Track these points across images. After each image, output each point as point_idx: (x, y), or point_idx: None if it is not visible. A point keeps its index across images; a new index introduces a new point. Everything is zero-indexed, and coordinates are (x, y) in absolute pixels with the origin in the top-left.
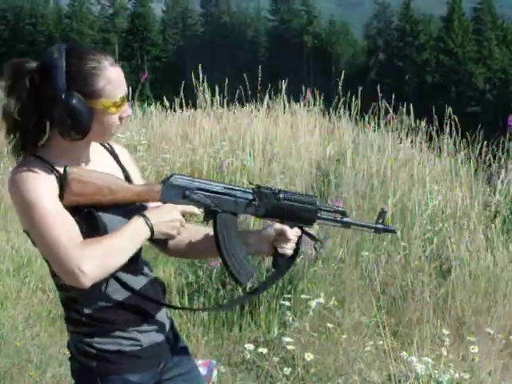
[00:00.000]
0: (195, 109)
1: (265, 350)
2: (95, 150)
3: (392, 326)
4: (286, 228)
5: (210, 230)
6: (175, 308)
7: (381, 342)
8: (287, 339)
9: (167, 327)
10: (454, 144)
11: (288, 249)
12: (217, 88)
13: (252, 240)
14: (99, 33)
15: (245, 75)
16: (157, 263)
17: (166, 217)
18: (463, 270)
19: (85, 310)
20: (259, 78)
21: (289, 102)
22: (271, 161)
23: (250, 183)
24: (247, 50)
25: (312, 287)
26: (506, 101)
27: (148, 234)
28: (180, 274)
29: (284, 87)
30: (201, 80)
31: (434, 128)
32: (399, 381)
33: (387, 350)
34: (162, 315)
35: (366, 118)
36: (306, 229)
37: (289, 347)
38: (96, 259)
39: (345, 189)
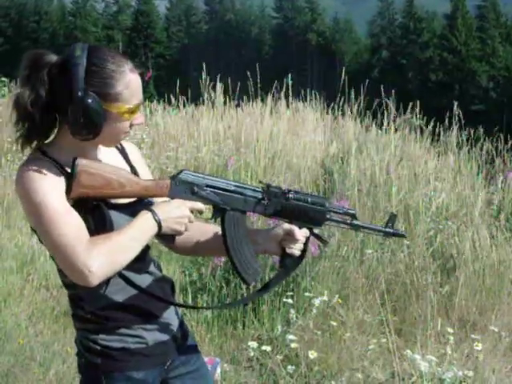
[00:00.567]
0: (198, 106)
1: (268, 348)
2: (104, 149)
3: (396, 324)
4: (295, 228)
5: (218, 228)
6: (181, 306)
7: (384, 340)
8: (291, 337)
9: (175, 326)
10: (458, 142)
11: (296, 249)
12: (221, 86)
13: (260, 239)
14: (103, 30)
15: (248, 73)
16: (160, 261)
17: (175, 212)
18: (467, 267)
19: (90, 307)
20: (263, 75)
21: (293, 99)
22: (275, 159)
23: (260, 182)
24: (251, 47)
25: (316, 285)
26: (509, 98)
27: (155, 229)
28: (183, 272)
29: (290, 84)
30: (204, 77)
31: (438, 125)
32: (403, 379)
33: (391, 348)
34: (170, 314)
35: (370, 116)
36: (315, 230)
37: (292, 345)
38: (103, 257)
39: (349, 187)
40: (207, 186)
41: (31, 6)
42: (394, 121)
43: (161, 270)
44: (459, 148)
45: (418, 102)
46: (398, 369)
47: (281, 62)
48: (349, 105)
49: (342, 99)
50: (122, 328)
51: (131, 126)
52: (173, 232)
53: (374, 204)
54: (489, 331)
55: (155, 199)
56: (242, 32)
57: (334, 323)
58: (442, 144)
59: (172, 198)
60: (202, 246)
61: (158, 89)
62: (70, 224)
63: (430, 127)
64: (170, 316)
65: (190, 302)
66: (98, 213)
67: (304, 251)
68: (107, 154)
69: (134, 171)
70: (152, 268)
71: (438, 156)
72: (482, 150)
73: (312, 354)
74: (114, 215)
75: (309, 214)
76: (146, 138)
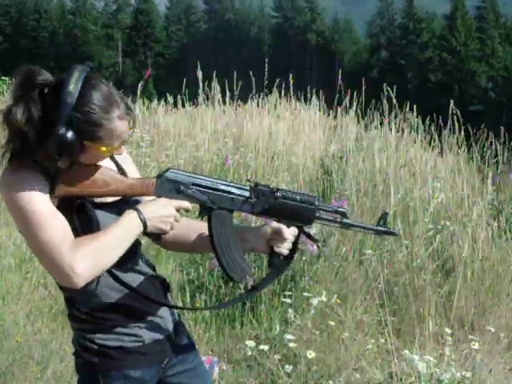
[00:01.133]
0: (197, 105)
1: (266, 348)
2: None
3: (394, 325)
4: (283, 227)
5: (206, 225)
6: (171, 307)
7: (383, 340)
8: (289, 336)
9: (171, 324)
10: (457, 142)
11: (284, 248)
12: (220, 85)
13: (248, 237)
14: (102, 29)
15: (250, 72)
16: (158, 260)
17: (160, 211)
18: (466, 268)
19: (85, 308)
20: (263, 75)
21: (292, 99)
22: (274, 158)
23: (248, 180)
24: (251, 46)
25: (314, 285)
26: (508, 99)
27: (141, 228)
28: (181, 271)
29: (291, 83)
30: (201, 77)
31: (436, 125)
32: (401, 379)
33: (389, 348)
34: (165, 312)
35: (369, 116)
36: (305, 228)
37: (290, 345)
38: (88, 258)
39: (348, 186)
40: (193, 184)
41: (31, 5)
42: (394, 121)
43: (153, 268)
44: (458, 148)
45: (418, 102)
46: (396, 369)
47: (280, 61)
48: (348, 105)
49: (341, 99)
50: (119, 327)
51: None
52: (158, 231)
53: (373, 204)
54: (487, 332)
55: (142, 198)
56: (241, 31)
57: (333, 323)
58: (441, 144)
59: (158, 197)
60: (189, 243)
61: (158, 88)
62: (55, 227)
63: (430, 127)
64: (165, 314)
65: (188, 301)
66: (83, 213)
67: (293, 250)
68: None
69: (120, 170)
70: (141, 265)
71: (440, 154)
72: (481, 150)
73: (310, 354)
74: (100, 214)
75: (297, 212)
76: (146, 137)
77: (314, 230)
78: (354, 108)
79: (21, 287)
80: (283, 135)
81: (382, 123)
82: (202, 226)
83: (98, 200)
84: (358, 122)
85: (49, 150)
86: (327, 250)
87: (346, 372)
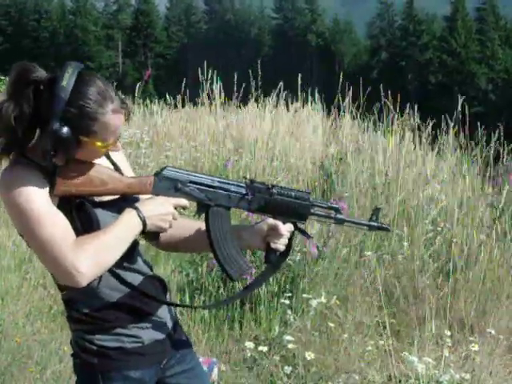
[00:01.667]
0: (197, 106)
1: (265, 349)
2: None
3: (393, 326)
4: (279, 223)
5: (202, 224)
6: (170, 304)
7: (382, 342)
8: (288, 338)
9: (169, 324)
10: (459, 143)
11: (280, 244)
12: (220, 86)
13: (245, 234)
14: (103, 29)
15: (250, 73)
16: (157, 261)
17: (159, 209)
18: (467, 270)
19: (84, 309)
20: (263, 76)
21: (292, 100)
22: (273, 159)
23: (244, 177)
24: (251, 47)
25: (314, 286)
26: (508, 101)
27: (140, 226)
28: (181, 271)
29: (280, 85)
30: (202, 78)
31: (440, 127)
32: (400, 381)
33: (388, 349)
34: (164, 313)
35: (369, 118)
36: (299, 225)
37: (289, 346)
38: (90, 257)
39: (348, 188)
40: (191, 182)
41: (31, 5)
42: (393, 122)
43: (151, 268)
44: (459, 150)
45: (418, 103)
46: (395, 371)
47: (280, 62)
48: (348, 106)
49: (341, 100)
50: (118, 328)
51: (107, 149)
52: (157, 229)
53: (372, 206)
54: (487, 334)
55: (140, 196)
56: (241, 32)
57: (332, 324)
58: (442, 145)
59: (156, 195)
60: (186, 242)
61: (158, 88)
62: (55, 224)
63: (429, 128)
64: (164, 314)
65: (187, 301)
66: (83, 212)
67: (289, 246)
68: None
69: (117, 169)
70: (141, 265)
71: (439, 155)
72: (482, 151)
73: (309, 355)
74: (100, 213)
75: (293, 208)
76: (145, 138)
77: (314, 231)
78: (354, 109)
79: (20, 287)
80: (282, 136)
81: (382, 124)
82: (196, 225)
83: (97, 199)
84: (359, 124)
85: (44, 146)
86: (327, 252)
87: (345, 373)
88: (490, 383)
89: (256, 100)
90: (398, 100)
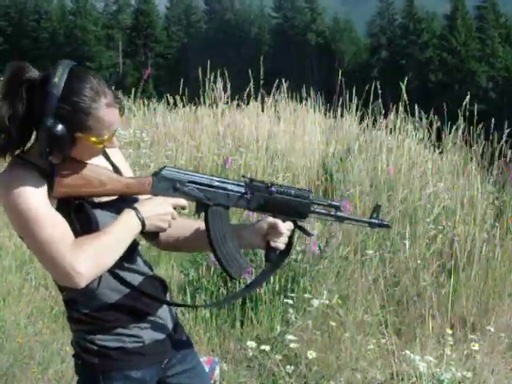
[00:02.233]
0: (198, 106)
1: (267, 348)
2: None
3: (395, 325)
4: (279, 222)
5: (201, 224)
6: (170, 304)
7: (384, 341)
8: (290, 337)
9: (170, 324)
10: (463, 140)
11: (280, 243)
12: (220, 85)
13: (244, 233)
14: (103, 29)
15: (250, 72)
16: (159, 261)
17: (157, 210)
18: (469, 268)
19: (84, 309)
20: (263, 75)
21: (292, 99)
22: (274, 158)
23: (243, 176)
24: (251, 47)
25: (315, 285)
26: (509, 99)
27: (139, 227)
28: (182, 271)
29: (287, 84)
30: (202, 77)
31: (437, 125)
32: (402, 379)
33: (390, 348)
34: (164, 312)
35: (369, 116)
36: (299, 223)
37: (291, 345)
38: (89, 258)
39: (350, 187)
40: (189, 181)
41: (31, 5)
42: (395, 120)
43: (151, 268)
44: (461, 147)
45: (418, 102)
46: (396, 369)
47: (280, 61)
48: (348, 105)
49: (341, 99)
50: (119, 328)
51: (104, 146)
52: (156, 229)
53: (375, 204)
54: (488, 332)
55: (139, 196)
56: (241, 31)
57: (334, 323)
58: (443, 143)
59: (155, 195)
60: (185, 242)
61: (158, 88)
62: (54, 226)
63: (441, 127)
64: (165, 314)
65: (188, 301)
66: (82, 213)
67: (289, 245)
68: None
69: (116, 170)
70: (140, 265)
71: (441, 154)
72: (483, 150)
73: (311, 354)
74: (99, 214)
75: (292, 206)
76: (146, 138)
77: (316, 231)
78: (355, 108)
79: (21, 288)
80: (283, 135)
81: (386, 117)
82: (194, 225)
83: (96, 200)
84: (360, 122)
85: (40, 145)
86: (329, 251)
87: (347, 372)
88: (492, 381)
89: (256, 99)
90: (404, 99)
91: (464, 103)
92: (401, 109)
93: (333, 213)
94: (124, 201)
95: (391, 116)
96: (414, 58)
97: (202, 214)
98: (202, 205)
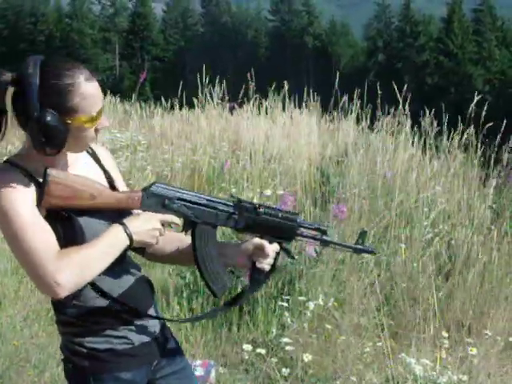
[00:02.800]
0: (194, 109)
1: (263, 351)
2: (75, 154)
3: (391, 328)
4: (265, 243)
5: (188, 238)
6: (153, 318)
7: (380, 344)
8: (285, 340)
9: (158, 326)
10: (459, 144)
11: (265, 264)
12: (217, 88)
13: (229, 252)
14: (100, 32)
15: (248, 75)
16: (155, 264)
17: (145, 225)
18: (466, 271)
19: (72, 313)
20: (259, 78)
21: (289, 102)
22: (271, 161)
23: (232, 196)
24: (247, 50)
25: (311, 288)
26: (505, 102)
27: (127, 242)
28: (178, 274)
29: (285, 88)
30: (199, 80)
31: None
32: (397, 382)
33: (386, 351)
34: (152, 314)
35: (366, 119)
36: (284, 245)
37: (287, 348)
38: (72, 270)
39: (347, 190)
40: (178, 199)
41: (28, 8)
42: (391, 123)
43: (139, 269)
44: (459, 150)
45: (415, 105)
46: (392, 372)
47: (277, 64)
48: (346, 108)
49: (338, 102)
50: (108, 330)
51: (96, 130)
52: (143, 245)
53: (371, 208)
54: (484, 335)
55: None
56: (238, 34)
57: (329, 326)
58: (439, 147)
59: (144, 211)
60: (171, 256)
61: (155, 91)
62: (39, 235)
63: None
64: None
65: (184, 304)
66: (68, 222)
67: (273, 266)
68: (79, 159)
69: (107, 176)
70: (132, 269)
71: (438, 157)
72: (482, 152)
73: (307, 357)
74: (87, 220)
75: (279, 228)
76: (143, 141)
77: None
78: (352, 111)
79: (17, 291)
80: (279, 138)
81: (380, 125)
82: (183, 240)
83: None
84: (357, 125)
85: (33, 138)
86: (325, 254)
87: (343, 375)
88: None
89: (252, 102)
90: (408, 100)
91: (471, 107)
92: (398, 111)
93: (318, 237)
94: (114, 210)
95: (388, 119)
96: (411, 61)
97: (190, 232)
98: (189, 222)
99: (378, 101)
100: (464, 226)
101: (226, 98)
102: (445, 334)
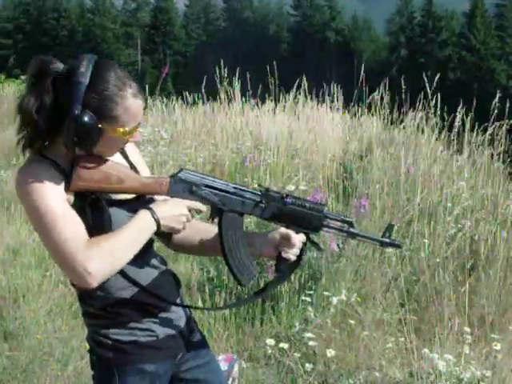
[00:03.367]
0: (216, 104)
1: (286, 346)
2: None
3: (414, 323)
4: (291, 233)
5: (215, 228)
6: (179, 305)
7: (403, 339)
8: (309, 335)
9: (183, 319)
10: (483, 140)
11: (291, 254)
12: (239, 83)
13: (257, 242)
14: (122, 27)
15: (268, 70)
16: (178, 258)
17: (173, 211)
18: (489, 266)
19: (98, 304)
20: (281, 73)
21: (311, 97)
22: (294, 157)
23: (259, 185)
24: (269, 45)
25: (334, 283)
26: None
27: (154, 227)
28: (201, 269)
29: (305, 83)
30: (223, 75)
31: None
32: (421, 377)
33: (409, 346)
34: (178, 308)
35: (390, 114)
36: (311, 236)
37: (310, 343)
38: (102, 259)
39: (370, 185)
40: (206, 186)
41: (50, 3)
42: (415, 119)
43: (165, 263)
44: (481, 146)
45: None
46: (415, 368)
47: (299, 59)
48: (367, 103)
49: (361, 97)
50: (133, 322)
51: (127, 141)
52: (171, 230)
53: (394, 203)
54: (507, 331)
55: (156, 196)
56: (260, 29)
57: (352, 322)
58: (462, 142)
59: (171, 197)
60: (197, 246)
61: (176, 86)
62: (69, 226)
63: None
64: (178, 309)
65: (207, 299)
66: (97, 209)
67: (300, 257)
68: None
69: (132, 167)
70: (155, 261)
71: (460, 152)
72: (507, 148)
73: (330, 352)
74: (115, 211)
75: (306, 219)
76: (165, 135)
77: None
78: (375, 106)
79: (41, 285)
80: (302, 134)
81: (402, 121)
82: (209, 229)
83: (113, 197)
84: (382, 121)
85: (66, 135)
86: (348, 249)
87: (366, 370)
88: None
89: (275, 97)
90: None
91: (494, 102)
92: (421, 107)
93: (345, 228)
94: (140, 200)
95: (414, 114)
96: (433, 56)
97: (216, 219)
98: (216, 210)
99: (402, 96)
100: (488, 221)
101: (248, 93)
102: (468, 330)
